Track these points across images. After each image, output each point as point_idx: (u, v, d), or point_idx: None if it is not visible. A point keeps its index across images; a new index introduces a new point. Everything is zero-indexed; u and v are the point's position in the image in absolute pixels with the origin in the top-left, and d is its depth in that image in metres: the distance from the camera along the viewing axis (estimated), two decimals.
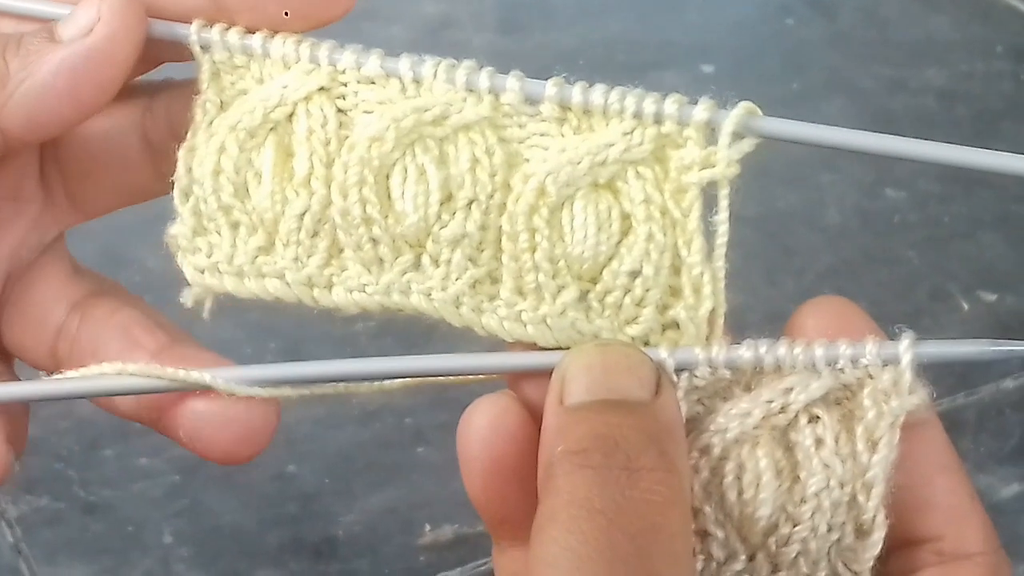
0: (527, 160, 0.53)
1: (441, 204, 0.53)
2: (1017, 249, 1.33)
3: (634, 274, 0.53)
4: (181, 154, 0.55)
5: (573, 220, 0.53)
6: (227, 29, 0.54)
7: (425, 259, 0.54)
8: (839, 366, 0.50)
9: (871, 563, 0.50)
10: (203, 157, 0.54)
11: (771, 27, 1.70)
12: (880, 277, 1.28)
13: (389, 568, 1.04)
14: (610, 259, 0.53)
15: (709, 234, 0.53)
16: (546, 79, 0.53)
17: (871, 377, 0.50)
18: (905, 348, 0.50)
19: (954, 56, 1.62)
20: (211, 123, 0.55)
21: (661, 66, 1.55)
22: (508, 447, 0.52)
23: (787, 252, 1.25)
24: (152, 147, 0.57)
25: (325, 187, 0.53)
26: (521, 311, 0.53)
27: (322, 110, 0.54)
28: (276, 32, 0.54)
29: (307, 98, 0.54)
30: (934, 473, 0.51)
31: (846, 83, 1.56)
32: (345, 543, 1.06)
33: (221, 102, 0.55)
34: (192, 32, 0.54)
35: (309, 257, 0.54)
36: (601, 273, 0.53)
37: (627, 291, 0.53)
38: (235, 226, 0.55)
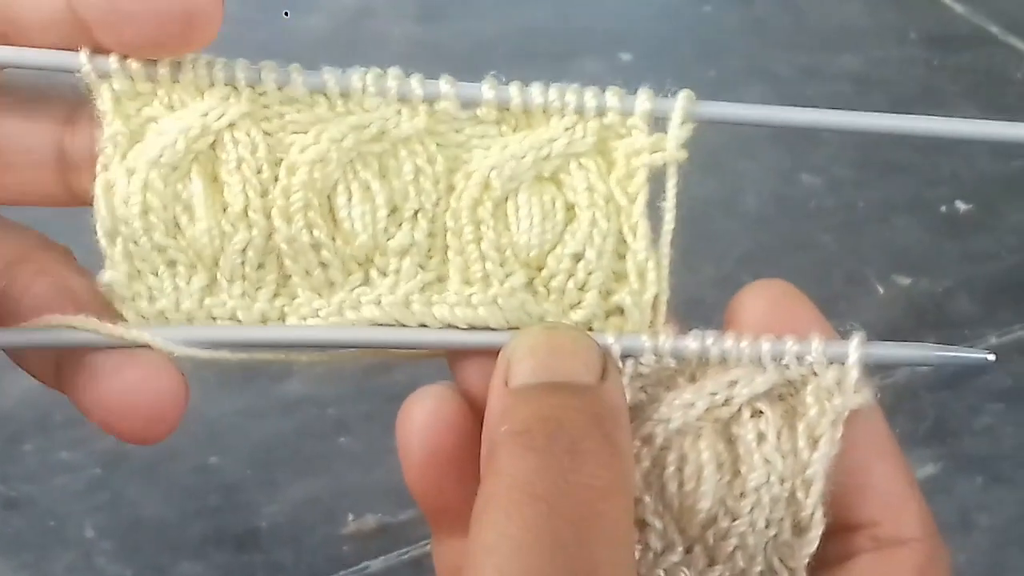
0: (468, 162, 0.53)
1: (388, 218, 0.53)
2: (931, 233, 1.35)
3: (577, 257, 0.53)
4: (98, 192, 0.52)
5: (518, 210, 0.53)
6: (124, 59, 0.52)
7: (373, 273, 0.53)
8: (784, 362, 0.50)
9: (807, 560, 0.50)
10: (127, 195, 0.52)
11: (689, 14, 1.71)
12: (797, 262, 1.30)
13: (313, 558, 1.04)
14: (555, 246, 0.53)
15: (655, 221, 0.53)
16: (472, 74, 0.53)
17: (815, 374, 0.50)
18: (854, 348, 0.50)
19: (868, 43, 1.64)
20: (124, 155, 0.52)
21: (580, 54, 1.55)
22: (447, 438, 0.51)
23: (705, 238, 1.26)
24: (67, 163, 0.55)
25: (264, 217, 0.52)
26: (471, 295, 0.53)
27: (249, 135, 0.52)
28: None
29: (231, 126, 0.53)
30: (872, 459, 0.51)
31: (763, 70, 1.57)
32: (268, 534, 1.06)
33: (130, 131, 0.53)
34: (84, 62, 0.52)
35: (257, 290, 0.53)
36: (546, 260, 0.53)
37: (570, 275, 0.53)
38: (172, 264, 0.53)
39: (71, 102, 0.54)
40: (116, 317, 0.53)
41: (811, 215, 1.36)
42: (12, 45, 0.51)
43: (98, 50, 0.51)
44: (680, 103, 0.52)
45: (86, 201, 0.54)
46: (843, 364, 0.50)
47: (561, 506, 0.44)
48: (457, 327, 0.53)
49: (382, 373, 1.13)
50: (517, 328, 0.52)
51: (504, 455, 0.46)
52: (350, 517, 1.07)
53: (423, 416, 0.52)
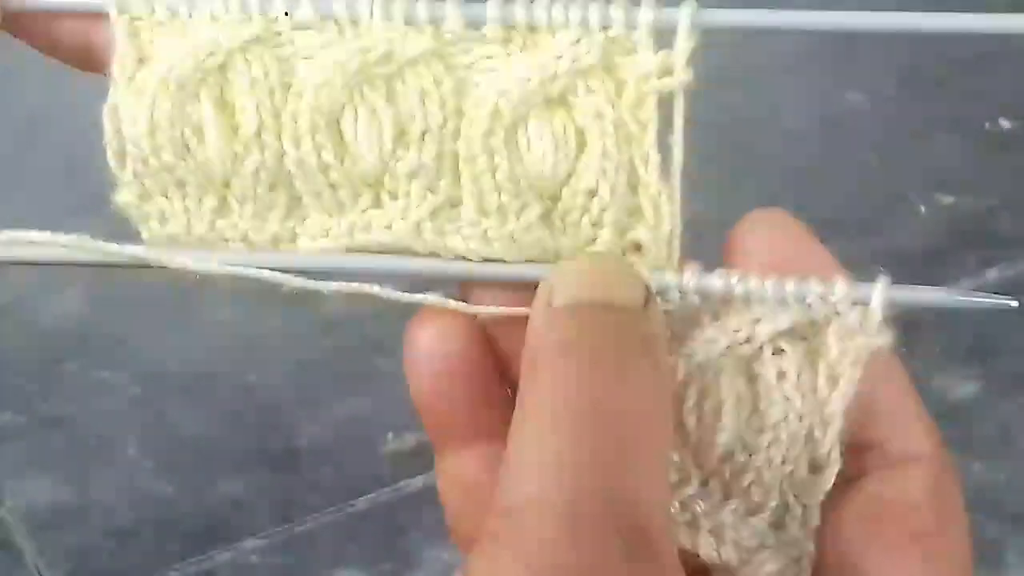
0: (477, 85, 0.53)
1: (395, 140, 0.53)
2: (974, 151, 1.34)
3: (591, 193, 0.52)
4: (105, 114, 0.53)
5: (530, 139, 0.52)
6: None
7: (384, 196, 0.53)
8: (808, 302, 0.50)
9: (821, 497, 0.50)
10: (134, 115, 0.53)
11: None
12: (839, 180, 1.29)
13: (352, 477, 1.05)
14: (569, 176, 0.53)
15: (666, 150, 0.52)
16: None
17: (838, 315, 0.50)
18: (878, 291, 0.50)
19: None
20: (131, 77, 0.52)
21: None
22: (455, 362, 0.51)
23: (749, 157, 1.26)
24: None
25: (276, 139, 0.52)
26: (486, 229, 0.53)
27: (262, 60, 0.53)
28: None
29: (243, 48, 0.53)
30: (877, 381, 0.50)
31: None
32: (307, 453, 1.07)
33: (140, 58, 0.53)
34: None
35: (269, 211, 0.53)
36: (561, 191, 0.53)
37: (584, 211, 0.52)
38: (181, 185, 0.53)
39: None
40: None
41: (853, 133, 1.35)
42: None
43: None
44: (685, 14, 0.51)
45: None
46: (866, 306, 0.50)
47: (606, 423, 0.44)
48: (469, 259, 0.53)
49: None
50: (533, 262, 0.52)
51: (548, 364, 0.46)
52: (389, 436, 1.07)
53: (430, 338, 0.52)
